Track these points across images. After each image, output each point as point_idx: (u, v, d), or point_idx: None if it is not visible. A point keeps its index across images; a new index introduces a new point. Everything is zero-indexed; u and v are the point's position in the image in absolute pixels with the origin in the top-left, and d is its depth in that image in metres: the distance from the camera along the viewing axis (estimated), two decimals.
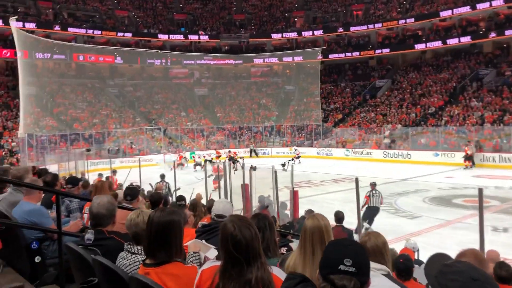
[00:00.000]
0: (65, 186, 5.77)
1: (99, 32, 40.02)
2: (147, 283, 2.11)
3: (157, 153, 31.90)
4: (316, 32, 43.82)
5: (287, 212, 10.63)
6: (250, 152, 33.22)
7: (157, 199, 5.48)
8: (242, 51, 45.15)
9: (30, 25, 35.49)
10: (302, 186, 17.95)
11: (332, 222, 8.32)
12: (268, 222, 2.93)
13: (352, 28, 42.55)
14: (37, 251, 3.80)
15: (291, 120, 39.64)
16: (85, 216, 4.66)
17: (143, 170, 16.24)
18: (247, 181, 10.37)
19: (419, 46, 38.97)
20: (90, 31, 39.48)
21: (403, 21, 39.48)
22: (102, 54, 39.94)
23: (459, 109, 30.50)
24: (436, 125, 29.86)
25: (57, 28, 37.70)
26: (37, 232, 3.90)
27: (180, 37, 43.96)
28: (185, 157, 29.31)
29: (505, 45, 34.67)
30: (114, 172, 16.68)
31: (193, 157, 30.82)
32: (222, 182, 10.96)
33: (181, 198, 7.04)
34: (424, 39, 39.06)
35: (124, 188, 6.44)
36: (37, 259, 3.74)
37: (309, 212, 8.76)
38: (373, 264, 2.03)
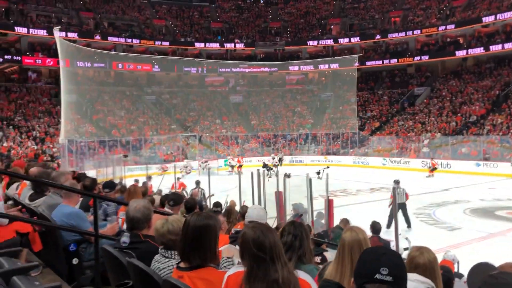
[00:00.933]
0: (102, 191, 5.88)
1: (138, 41, 41.06)
2: (180, 286, 2.11)
3: (192, 160, 32.25)
4: (352, 39, 43.41)
5: (323, 221, 10.48)
6: (279, 160, 32.80)
7: (192, 204, 5.51)
8: (277, 58, 45.23)
9: (72, 35, 36.82)
10: (337, 195, 17.71)
11: (368, 232, 8.14)
12: (304, 229, 2.92)
13: (390, 35, 41.89)
14: (75, 253, 3.88)
15: (327, 128, 39.26)
16: (120, 220, 4.72)
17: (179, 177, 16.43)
18: (281, 189, 10.30)
19: (460, 53, 37.92)
20: (129, 40, 40.59)
21: (443, 27, 38.55)
22: (140, 63, 40.93)
23: (502, 118, 29.43)
24: (477, 134, 28.89)
25: (97, 37, 38.95)
26: (75, 234, 3.98)
27: (216, 45, 44.53)
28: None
29: None
30: (149, 178, 16.97)
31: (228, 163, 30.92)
32: (256, 189, 10.92)
33: (217, 204, 7.07)
34: (465, 46, 38.00)
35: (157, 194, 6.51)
36: (75, 261, 3.81)
37: (344, 221, 8.61)
38: (418, 277, 1.95)
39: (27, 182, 5.12)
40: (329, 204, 10.82)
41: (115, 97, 39.83)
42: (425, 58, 39.90)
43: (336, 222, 9.96)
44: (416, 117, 35.23)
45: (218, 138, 37.21)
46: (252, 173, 10.98)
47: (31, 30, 35.07)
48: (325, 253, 5.52)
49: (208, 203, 12.42)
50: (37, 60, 35.86)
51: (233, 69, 44.41)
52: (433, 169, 25.35)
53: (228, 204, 10.22)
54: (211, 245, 2.30)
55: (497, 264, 2.67)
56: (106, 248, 2.99)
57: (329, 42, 44.40)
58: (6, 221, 3.77)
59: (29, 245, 3.88)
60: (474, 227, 12.10)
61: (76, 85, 35.42)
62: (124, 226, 3.53)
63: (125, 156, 28.92)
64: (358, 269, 1.59)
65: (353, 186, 21.21)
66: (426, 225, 12.93)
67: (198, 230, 2.28)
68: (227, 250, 2.71)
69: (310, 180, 10.20)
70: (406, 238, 7.89)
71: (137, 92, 41.64)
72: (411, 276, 1.85)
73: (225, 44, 44.78)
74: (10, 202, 4.75)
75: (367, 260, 1.58)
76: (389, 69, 43.32)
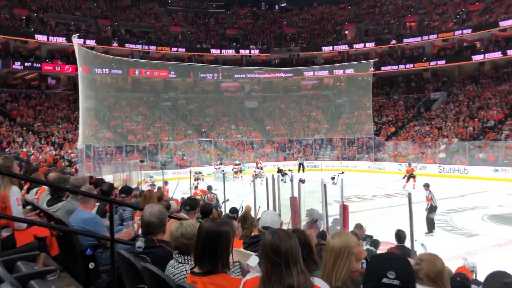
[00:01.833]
0: (118, 196, 5.97)
1: (154, 47, 41.52)
2: None
3: (207, 165, 32.39)
4: (368, 45, 43.22)
5: (338, 227, 10.42)
6: (299, 165, 32.88)
7: (208, 210, 5.56)
8: (292, 64, 45.27)
9: (90, 42, 37.41)
10: (352, 200, 17.60)
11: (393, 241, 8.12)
12: (303, 236, 2.88)
13: (405, 40, 41.61)
14: (91, 257, 3.94)
15: (342, 133, 39.08)
16: (135, 225, 4.78)
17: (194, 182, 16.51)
18: (295, 194, 10.28)
19: (477, 58, 37.45)
20: (145, 47, 41.09)
21: (459, 32, 38.15)
22: (156, 69, 41.37)
23: None
24: (495, 139, 28.45)
25: (115, 44, 39.50)
26: (92, 239, 4.05)
27: (231, 52, 44.78)
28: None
29: None
30: (166, 183, 17.08)
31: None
32: (270, 194, 10.92)
33: (234, 210, 7.08)
34: (482, 50, 37.53)
35: (172, 199, 6.57)
36: (91, 265, 3.87)
37: (359, 226, 8.58)
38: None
39: (46, 187, 5.23)
40: (344, 209, 10.75)
41: (132, 103, 40.28)
42: (441, 62, 39.51)
43: (351, 227, 9.91)
44: (433, 122, 34.86)
45: (234, 143, 37.33)
46: (266, 178, 10.98)
47: (50, 38, 35.76)
48: None
49: (223, 209, 12.46)
50: (56, 67, 36.51)
51: (248, 75, 44.57)
52: (409, 176, 22.42)
53: (244, 210, 10.24)
54: (223, 252, 2.31)
55: None
56: (122, 252, 3.04)
57: (344, 47, 44.30)
58: (24, 225, 3.86)
59: (46, 249, 3.97)
60: (492, 233, 11.91)
61: (94, 91, 35.94)
62: (140, 231, 3.59)
63: (142, 161, 29.19)
64: (367, 275, 1.62)
65: (369, 192, 21.06)
66: (443, 231, 12.77)
67: (210, 235, 2.30)
68: (234, 254, 2.73)
69: (325, 185, 10.17)
70: (422, 244, 7.81)
71: (153, 98, 42.05)
72: None
73: (240, 50, 45.00)
74: (29, 207, 4.85)
75: (375, 265, 1.60)
76: (404, 74, 42.98)
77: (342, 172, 26.19)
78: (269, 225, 3.52)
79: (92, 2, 43.62)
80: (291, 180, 11.24)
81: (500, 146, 27.05)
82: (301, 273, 1.99)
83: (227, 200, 13.43)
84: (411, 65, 41.20)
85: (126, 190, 6.02)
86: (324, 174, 23.56)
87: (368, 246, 6.93)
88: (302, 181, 11.62)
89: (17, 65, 34.47)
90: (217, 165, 29.36)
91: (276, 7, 51.85)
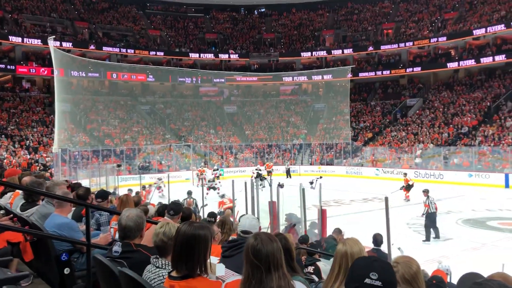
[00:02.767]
0: (95, 200, 5.88)
1: (132, 51, 41.14)
2: None
3: (186, 169, 32.22)
4: (345, 51, 43.76)
5: (316, 231, 10.49)
6: (287, 172, 32.62)
7: (187, 214, 5.51)
8: (271, 69, 45.50)
9: (67, 44, 36.82)
10: (330, 205, 17.75)
11: (370, 244, 8.18)
12: (284, 240, 2.88)
13: (382, 47, 42.30)
14: (67, 263, 3.87)
15: (320, 138, 39.43)
16: (112, 229, 4.71)
17: (172, 187, 16.39)
18: (274, 199, 10.32)
19: (452, 65, 38.31)
20: (123, 50, 40.65)
21: (435, 39, 38.99)
22: (134, 72, 41.02)
23: (493, 129, 29.68)
24: (469, 145, 29.11)
25: (92, 47, 39.01)
26: (67, 244, 3.97)
27: (210, 56, 44.72)
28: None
29: None
30: (143, 188, 16.91)
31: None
32: (249, 199, 10.93)
33: (212, 214, 7.05)
34: (456, 58, 38.43)
35: (150, 204, 6.50)
36: (66, 270, 3.80)
37: (337, 231, 8.64)
38: None
39: (20, 192, 5.12)
40: (322, 214, 10.85)
41: (109, 106, 39.80)
42: (417, 69, 40.29)
43: (329, 232, 9.98)
44: (409, 128, 35.46)
45: (212, 148, 37.24)
46: (245, 183, 10.98)
47: (25, 40, 35.04)
48: (318, 263, 5.53)
49: (201, 214, 12.40)
50: (31, 70, 35.78)
51: (228, 80, 44.57)
52: (407, 187, 20.77)
53: (223, 214, 10.22)
54: (200, 255, 2.30)
55: (488, 274, 2.71)
56: (98, 257, 2.99)
57: (323, 53, 44.77)
58: None
59: (20, 254, 3.88)
60: (466, 237, 12.15)
61: (70, 94, 35.40)
62: (117, 236, 3.54)
63: (119, 166, 28.84)
64: (350, 275, 1.65)
65: (347, 196, 21.27)
66: (419, 235, 12.97)
67: (187, 239, 2.28)
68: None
69: (303, 190, 10.23)
70: (399, 248, 7.91)
71: (131, 101, 41.64)
72: None
73: (220, 55, 44.98)
74: (1, 212, 4.74)
75: (358, 266, 1.63)
76: (381, 80, 43.66)
77: (320, 177, 26.29)
78: (247, 229, 3.51)
79: (69, 4, 43.01)
80: (270, 185, 11.25)
81: (474, 152, 27.69)
82: (282, 277, 1.98)
83: (206, 205, 13.39)
84: (388, 72, 41.89)
85: (103, 194, 5.93)
86: (302, 178, 23.70)
87: None
88: (280, 185, 11.66)
89: None
90: (214, 169, 29.03)
91: (255, 12, 52.04)
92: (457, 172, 26.51)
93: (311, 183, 21.29)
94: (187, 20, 49.17)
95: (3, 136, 29.57)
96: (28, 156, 27.96)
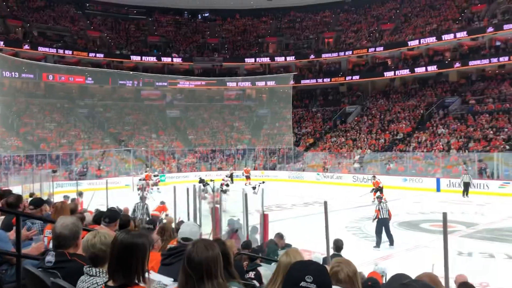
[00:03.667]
0: (27, 208, 5.59)
1: (70, 52, 39.59)
2: None
3: (126, 175, 31.40)
4: (288, 58, 44.61)
5: (257, 236, 10.55)
6: (231, 177, 32.67)
7: (124, 221, 5.36)
8: (215, 74, 45.42)
9: None
10: (273, 209, 17.93)
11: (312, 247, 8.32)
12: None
13: (323, 55, 43.54)
14: None
15: (264, 143, 39.85)
16: (46, 238, 4.50)
17: (111, 193, 15.88)
18: (217, 205, 10.28)
19: (388, 74, 40.12)
20: (61, 51, 39.02)
21: (372, 49, 40.66)
22: (72, 74, 39.46)
23: (426, 136, 31.31)
24: (404, 151, 30.52)
25: (26, 47, 37.15)
26: None
27: (153, 59, 43.94)
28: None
29: (469, 75, 36.10)
30: (80, 194, 16.26)
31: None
32: (191, 205, 10.82)
33: (151, 221, 6.91)
34: (393, 67, 40.29)
35: (87, 211, 6.28)
36: None
37: (279, 235, 8.74)
38: None
39: None
40: (265, 219, 10.94)
41: (45, 109, 38.02)
42: (356, 78, 41.83)
43: (271, 236, 10.08)
44: (348, 134, 36.65)
45: (154, 153, 36.52)
46: (188, 189, 10.86)
47: None
48: (259, 268, 5.56)
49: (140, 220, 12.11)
50: None
51: (170, 83, 43.97)
52: (377, 190, 20.92)
53: (165, 221, 10.04)
54: (138, 265, 2.24)
55: (419, 274, 2.85)
56: (29, 268, 2.85)
57: (266, 60, 45.36)
58: None
59: None
60: (400, 239, 12.68)
61: (2, 96, 33.52)
62: (51, 245, 3.38)
63: (54, 171, 27.60)
64: (286, 279, 1.68)
65: (288, 201, 21.59)
66: (356, 238, 13.39)
67: (124, 248, 2.22)
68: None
69: (246, 195, 10.28)
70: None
71: (68, 104, 40.02)
72: None
73: (163, 58, 44.32)
74: None
75: (294, 270, 1.67)
76: (322, 87, 44.89)
77: (263, 182, 26.54)
78: (188, 236, 3.47)
79: (0, 0, 40.70)
80: (213, 191, 11.21)
81: (408, 157, 29.09)
82: (217, 287, 1.96)
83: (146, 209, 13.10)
84: (329, 79, 43.15)
85: (36, 202, 5.65)
86: (246, 184, 23.80)
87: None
88: (223, 191, 11.63)
89: None
90: (155, 175, 28.39)
91: (199, 16, 51.82)
92: (392, 176, 27.65)
93: (254, 188, 21.44)
94: (128, 22, 48.06)
95: None
96: None
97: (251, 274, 5.34)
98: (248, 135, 42.17)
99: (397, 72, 39.33)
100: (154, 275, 2.62)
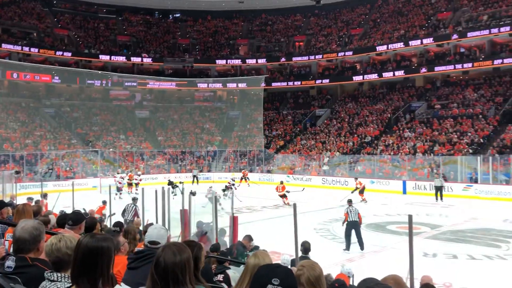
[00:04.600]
0: None
1: (36, 50, 38.47)
2: None
3: (93, 176, 30.78)
4: (259, 61, 44.74)
5: (226, 238, 10.52)
6: (193, 177, 32.74)
7: (90, 224, 5.24)
8: (186, 75, 45.07)
9: None
10: (243, 211, 17.94)
11: (280, 249, 8.34)
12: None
13: (294, 58, 43.90)
14: None
15: (234, 145, 39.81)
16: (7, 242, 4.35)
17: (77, 195, 15.52)
18: (186, 207, 10.19)
19: (357, 78, 40.79)
20: (26, 49, 37.85)
21: (342, 53, 41.25)
22: (38, 73, 38.41)
23: (393, 139, 31.96)
24: (372, 154, 31.08)
25: None
26: None
27: (122, 59, 43.21)
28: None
29: (434, 80, 37.10)
30: (45, 196, 15.84)
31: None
32: (160, 208, 10.69)
33: (117, 224, 6.78)
34: (361, 72, 40.98)
35: (52, 214, 6.11)
36: None
37: (247, 237, 8.75)
38: None
39: None
40: (234, 221, 10.92)
41: (9, 108, 36.83)
42: (325, 81, 42.34)
43: (240, 238, 10.07)
44: (317, 137, 37.04)
45: (122, 154, 35.92)
46: (156, 191, 10.73)
47: None
48: (227, 271, 5.54)
49: (108, 223, 11.90)
50: None
51: (140, 84, 43.37)
52: (361, 190, 22.12)
53: (133, 223, 9.89)
54: (103, 269, 2.20)
55: (384, 275, 2.91)
56: None
57: (237, 62, 45.33)
58: None
59: None
60: (368, 241, 12.89)
61: None
62: (11, 249, 3.28)
63: (17, 172, 26.80)
64: (253, 281, 1.68)
65: (258, 203, 21.64)
66: (325, 240, 13.54)
67: (89, 252, 2.18)
68: None
69: (215, 197, 10.24)
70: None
71: (34, 104, 38.91)
72: None
73: (132, 58, 43.65)
74: None
75: (261, 273, 1.68)
76: (293, 90, 45.23)
77: (233, 184, 26.49)
78: (155, 239, 3.43)
79: None
80: (182, 193, 11.12)
81: (376, 160, 29.63)
82: None
83: (113, 214, 12.89)
84: (299, 83, 43.49)
85: None
86: (216, 186, 23.71)
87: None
88: (192, 193, 11.57)
89: None
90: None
91: (170, 17, 51.32)
92: (360, 179, 28.06)
93: (224, 190, 21.39)
94: (97, 21, 47.14)
95: None
96: None
97: (220, 277, 5.32)
98: (219, 136, 42.04)
99: (365, 76, 40.02)
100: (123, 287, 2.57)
